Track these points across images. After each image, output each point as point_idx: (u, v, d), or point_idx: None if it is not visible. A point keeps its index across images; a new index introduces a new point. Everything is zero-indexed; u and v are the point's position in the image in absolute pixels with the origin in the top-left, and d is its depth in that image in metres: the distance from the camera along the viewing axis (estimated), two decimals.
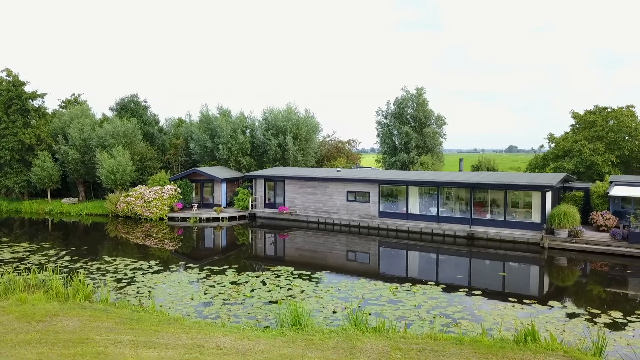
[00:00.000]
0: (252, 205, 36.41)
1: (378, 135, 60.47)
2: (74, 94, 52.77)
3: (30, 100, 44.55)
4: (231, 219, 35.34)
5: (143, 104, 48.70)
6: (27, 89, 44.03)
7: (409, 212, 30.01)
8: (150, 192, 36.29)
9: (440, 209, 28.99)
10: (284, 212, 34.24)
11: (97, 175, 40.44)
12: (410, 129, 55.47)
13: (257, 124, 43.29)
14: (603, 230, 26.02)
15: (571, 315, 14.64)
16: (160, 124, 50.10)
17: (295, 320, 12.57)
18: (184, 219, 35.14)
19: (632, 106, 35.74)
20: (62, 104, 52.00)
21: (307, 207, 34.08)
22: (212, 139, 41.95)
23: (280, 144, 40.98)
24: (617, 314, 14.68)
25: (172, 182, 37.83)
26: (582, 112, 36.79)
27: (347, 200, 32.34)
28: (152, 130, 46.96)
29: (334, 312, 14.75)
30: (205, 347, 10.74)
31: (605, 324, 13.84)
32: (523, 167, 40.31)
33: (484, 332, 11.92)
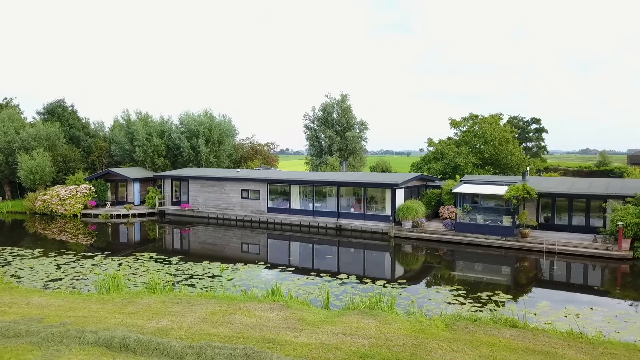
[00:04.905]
0: (161, 203, 39.71)
1: (307, 139, 64.62)
2: (6, 99, 55.01)
3: None
4: (140, 215, 38.55)
5: (70, 108, 51.26)
6: None
7: (291, 207, 33.90)
8: (65, 190, 39.18)
9: (315, 205, 32.98)
10: (186, 209, 37.72)
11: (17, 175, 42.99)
12: (333, 133, 59.76)
13: (174, 127, 46.56)
14: None
15: (346, 283, 18.63)
16: (92, 127, 52.85)
17: (110, 287, 16.16)
18: (96, 216, 38.17)
19: (501, 114, 40.66)
20: None
21: (208, 204, 37.62)
22: (131, 141, 45.02)
23: (193, 146, 44.39)
24: (382, 281, 18.83)
25: (88, 182, 40.78)
26: (458, 119, 41.56)
27: (242, 197, 36.03)
28: (78, 134, 49.62)
29: (159, 284, 18.32)
30: (17, 304, 14.21)
31: (375, 287, 17.92)
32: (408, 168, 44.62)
33: (246, 292, 15.75)
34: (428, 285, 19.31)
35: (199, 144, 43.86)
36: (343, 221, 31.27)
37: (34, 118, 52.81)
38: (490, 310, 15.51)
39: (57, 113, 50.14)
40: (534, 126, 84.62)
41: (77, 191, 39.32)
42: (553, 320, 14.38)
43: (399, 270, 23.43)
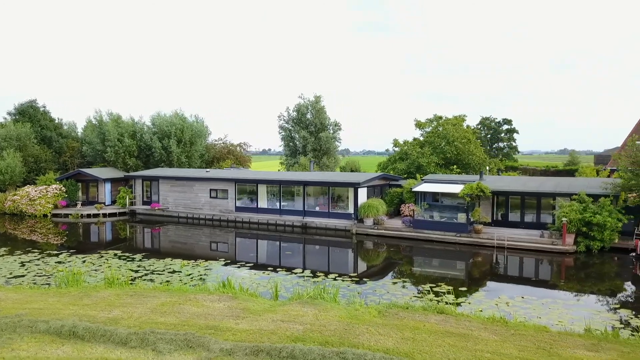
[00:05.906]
0: (131, 202, 40.23)
1: (282, 139, 65.54)
2: None
3: None
4: (111, 215, 39.00)
5: (42, 109, 51.34)
6: None
7: (258, 206, 34.78)
8: (35, 191, 39.43)
9: (282, 203, 33.91)
10: (156, 208, 38.31)
11: None
12: (307, 134, 60.75)
13: (145, 128, 47.07)
14: None
15: (300, 277, 19.59)
16: (64, 128, 52.97)
17: (69, 282, 16.85)
18: (66, 216, 38.52)
19: (465, 116, 42.10)
20: None
21: (177, 203, 38.27)
22: (103, 142, 45.40)
23: (165, 147, 44.96)
24: (334, 274, 19.85)
25: (59, 182, 41.09)
26: (424, 120, 42.90)
27: (210, 197, 36.77)
28: (50, 134, 49.75)
29: (118, 279, 19.04)
30: None
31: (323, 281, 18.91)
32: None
33: (200, 285, 16.60)
34: (378, 278, 20.37)
35: (171, 145, 44.46)
36: (308, 219, 32.25)
37: (4, 119, 52.72)
38: (430, 300, 16.61)
39: (28, 114, 50.18)
40: (505, 127, 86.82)
41: (47, 191, 39.59)
42: (484, 308, 15.55)
43: (355, 265, 24.49)
